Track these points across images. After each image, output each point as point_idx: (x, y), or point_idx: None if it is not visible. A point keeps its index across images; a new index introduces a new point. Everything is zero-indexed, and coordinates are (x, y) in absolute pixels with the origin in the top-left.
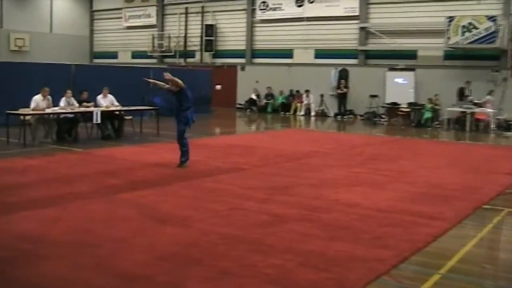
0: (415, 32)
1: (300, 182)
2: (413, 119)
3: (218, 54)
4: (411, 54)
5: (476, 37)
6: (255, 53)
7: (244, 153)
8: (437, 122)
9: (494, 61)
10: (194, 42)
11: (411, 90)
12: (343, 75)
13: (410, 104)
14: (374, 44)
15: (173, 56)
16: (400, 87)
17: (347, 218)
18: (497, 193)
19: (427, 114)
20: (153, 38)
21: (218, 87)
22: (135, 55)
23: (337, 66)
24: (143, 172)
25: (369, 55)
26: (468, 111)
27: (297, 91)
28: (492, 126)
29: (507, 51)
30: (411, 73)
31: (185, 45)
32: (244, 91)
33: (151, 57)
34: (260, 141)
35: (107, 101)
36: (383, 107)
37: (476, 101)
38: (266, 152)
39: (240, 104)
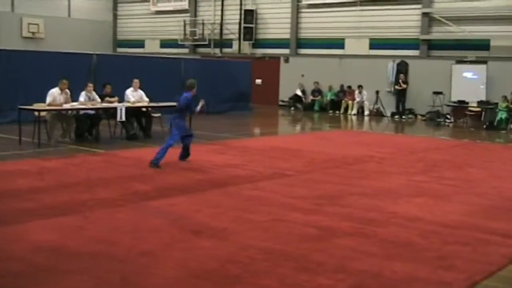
0: (487, 18)
1: (352, 191)
2: (484, 120)
3: (258, 44)
4: (482, 44)
5: None
6: (301, 43)
7: (288, 157)
8: None
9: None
10: (232, 30)
11: (482, 86)
12: (402, 68)
13: (480, 102)
14: (439, 33)
15: (207, 46)
16: (469, 83)
17: (407, 233)
18: None
19: (502, 115)
20: (185, 24)
21: (259, 81)
22: (164, 44)
23: (395, 58)
24: (173, 177)
25: (433, 46)
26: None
27: (349, 87)
28: None
29: None
30: (482, 67)
31: (221, 33)
32: (288, 87)
33: (182, 46)
34: (306, 144)
35: (136, 96)
36: (449, 106)
37: None
38: (313, 156)
39: (283, 101)
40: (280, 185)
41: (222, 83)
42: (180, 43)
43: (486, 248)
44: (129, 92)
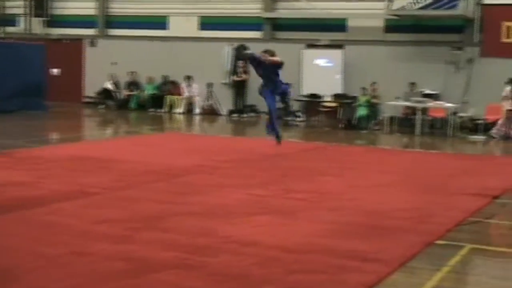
0: None
1: (176, 211)
2: (341, 117)
3: (54, 22)
4: (338, 24)
5: (430, 0)
6: (112, 21)
7: (94, 170)
8: (375, 122)
9: (456, 34)
10: (16, 2)
11: (338, 76)
12: (242, 54)
13: (337, 96)
14: (286, 10)
15: None
16: (322, 71)
17: (242, 262)
18: (457, 222)
19: (362, 111)
20: None
21: (55, 71)
22: None
23: (232, 42)
24: None
25: (279, 26)
26: (419, 106)
27: (174, 81)
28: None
29: (474, 21)
30: (338, 52)
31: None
32: (96, 78)
33: None
34: (119, 152)
35: None
36: (299, 101)
37: (429, 92)
38: (128, 168)
39: (90, 97)
40: (83, 207)
41: (5, 74)
42: None
43: (340, 276)
44: None
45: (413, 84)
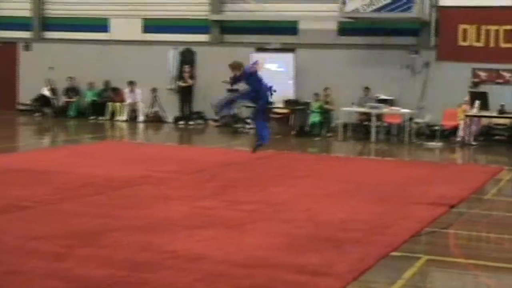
0: None
1: (117, 225)
2: (293, 124)
3: None
4: (289, 27)
5: (385, 2)
6: (48, 23)
7: (28, 182)
8: (328, 129)
9: (412, 38)
10: None
11: (290, 81)
12: (188, 58)
13: (288, 102)
14: (235, 12)
15: None
16: (273, 77)
17: (186, 278)
18: (413, 232)
19: (314, 118)
20: None
21: None
22: None
23: (178, 45)
24: None
25: (227, 29)
26: (374, 112)
27: (116, 87)
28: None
29: (430, 23)
30: (289, 56)
31: None
32: (31, 84)
33: None
34: (56, 163)
35: None
36: (249, 107)
37: (384, 97)
38: (66, 180)
39: (25, 105)
40: (15, 222)
41: None
42: None
43: None
44: None
45: (367, 89)
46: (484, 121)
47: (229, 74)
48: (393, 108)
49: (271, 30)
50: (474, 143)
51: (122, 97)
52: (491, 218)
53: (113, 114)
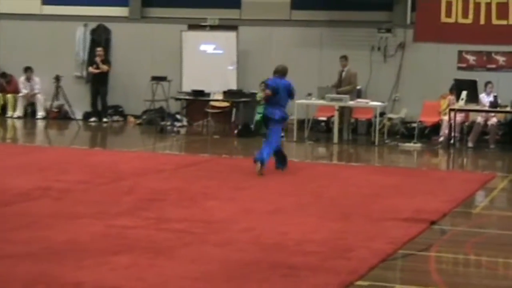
0: None
1: (7, 251)
2: (235, 121)
3: None
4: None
5: None
6: None
7: None
8: None
9: (384, 13)
10: None
11: (231, 67)
12: (101, 38)
13: (229, 93)
14: None
15: None
16: (210, 61)
17: None
18: (384, 256)
19: (262, 113)
20: None
21: None
22: None
23: (88, 21)
24: None
25: (151, 1)
26: (337, 105)
27: (6, 74)
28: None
29: None
30: (230, 35)
31: None
32: None
33: None
34: None
35: None
36: (179, 99)
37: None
38: None
39: None
40: None
41: None
42: None
43: None
44: None
45: (329, 77)
46: (475, 116)
47: (152, 56)
48: (360, 100)
49: (207, 3)
50: (470, 145)
51: (16, 87)
52: (481, 237)
53: (4, 109)
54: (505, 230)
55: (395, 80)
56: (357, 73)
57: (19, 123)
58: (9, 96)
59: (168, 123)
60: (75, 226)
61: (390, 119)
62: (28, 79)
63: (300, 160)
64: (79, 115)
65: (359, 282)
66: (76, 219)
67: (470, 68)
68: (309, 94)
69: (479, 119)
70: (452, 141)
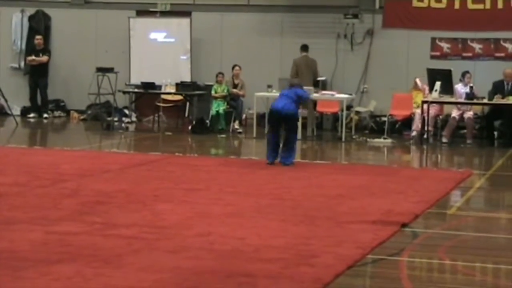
0: None
1: None
2: (189, 116)
3: None
4: None
5: None
6: None
7: None
8: (238, 122)
9: None
10: None
11: (184, 57)
12: (40, 25)
13: (182, 86)
14: None
15: None
16: (161, 50)
17: None
18: (351, 262)
19: (218, 107)
20: None
21: None
22: None
23: (25, 6)
24: None
25: None
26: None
27: None
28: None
29: None
30: (183, 22)
31: None
32: None
33: None
34: None
35: None
36: (127, 93)
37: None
38: None
39: None
40: None
41: None
42: None
43: None
44: None
45: (290, 67)
46: (449, 109)
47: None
48: (325, 92)
49: None
50: (445, 140)
51: None
52: (456, 240)
53: None
54: (482, 232)
55: (363, 71)
56: (317, 62)
57: None
58: None
59: (115, 118)
60: (11, 233)
61: (358, 112)
62: None
63: (259, 158)
64: (16, 110)
65: None
66: (12, 225)
67: (444, 56)
68: (270, 86)
69: (455, 112)
70: (425, 136)
